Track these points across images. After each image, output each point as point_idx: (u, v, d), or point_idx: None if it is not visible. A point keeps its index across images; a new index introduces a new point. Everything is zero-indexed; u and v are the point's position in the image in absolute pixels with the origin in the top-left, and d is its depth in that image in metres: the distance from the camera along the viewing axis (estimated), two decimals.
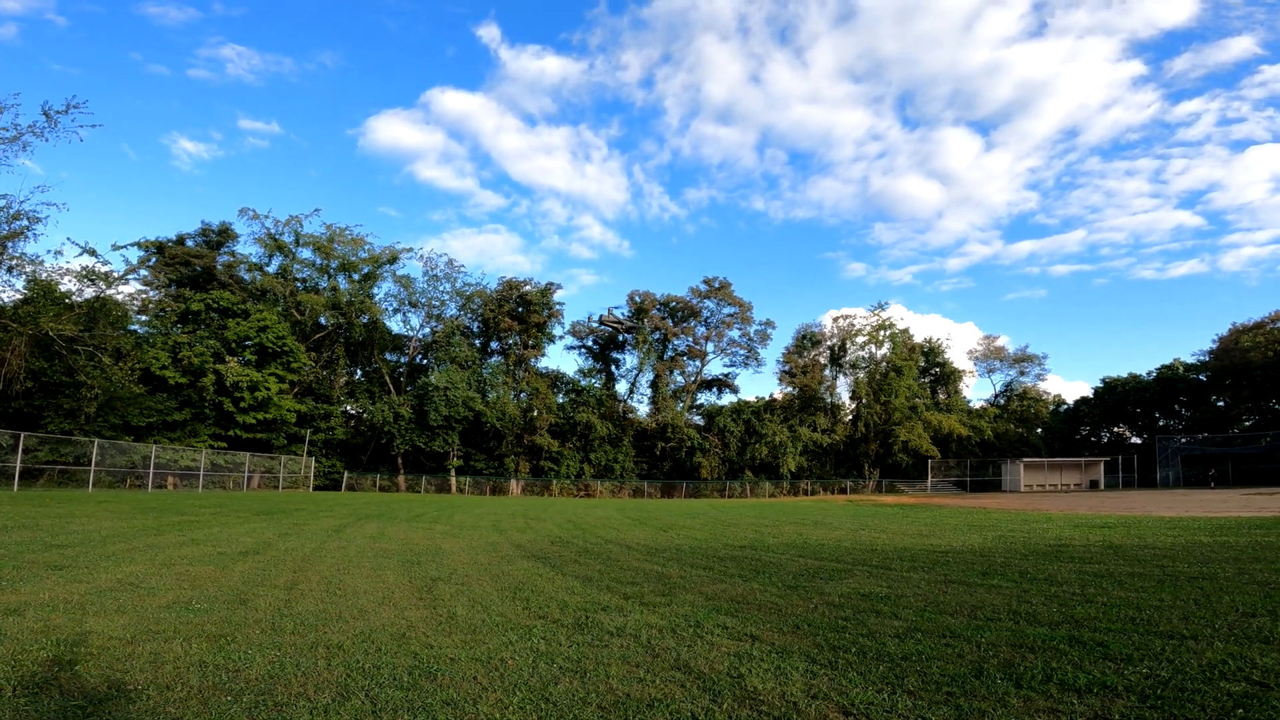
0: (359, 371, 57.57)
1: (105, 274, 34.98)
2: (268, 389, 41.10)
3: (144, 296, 43.54)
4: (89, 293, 34.53)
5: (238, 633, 5.29)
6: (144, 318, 43.45)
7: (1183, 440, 49.89)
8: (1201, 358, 58.31)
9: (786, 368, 60.07)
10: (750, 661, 4.63)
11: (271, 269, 52.37)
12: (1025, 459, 53.63)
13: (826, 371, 60.52)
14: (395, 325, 57.48)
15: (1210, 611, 5.69)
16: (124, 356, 35.20)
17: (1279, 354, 48.68)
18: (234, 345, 42.38)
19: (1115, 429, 63.82)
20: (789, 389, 60.29)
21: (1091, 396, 65.00)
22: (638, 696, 3.95)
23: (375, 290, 54.66)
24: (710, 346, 61.41)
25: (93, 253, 33.87)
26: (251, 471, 39.19)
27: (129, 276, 39.41)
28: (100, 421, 33.78)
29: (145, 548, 10.09)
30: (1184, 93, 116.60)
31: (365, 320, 53.04)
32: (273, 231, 51.13)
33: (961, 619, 5.81)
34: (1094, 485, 50.65)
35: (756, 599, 6.93)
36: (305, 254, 53.03)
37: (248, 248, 52.80)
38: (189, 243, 51.07)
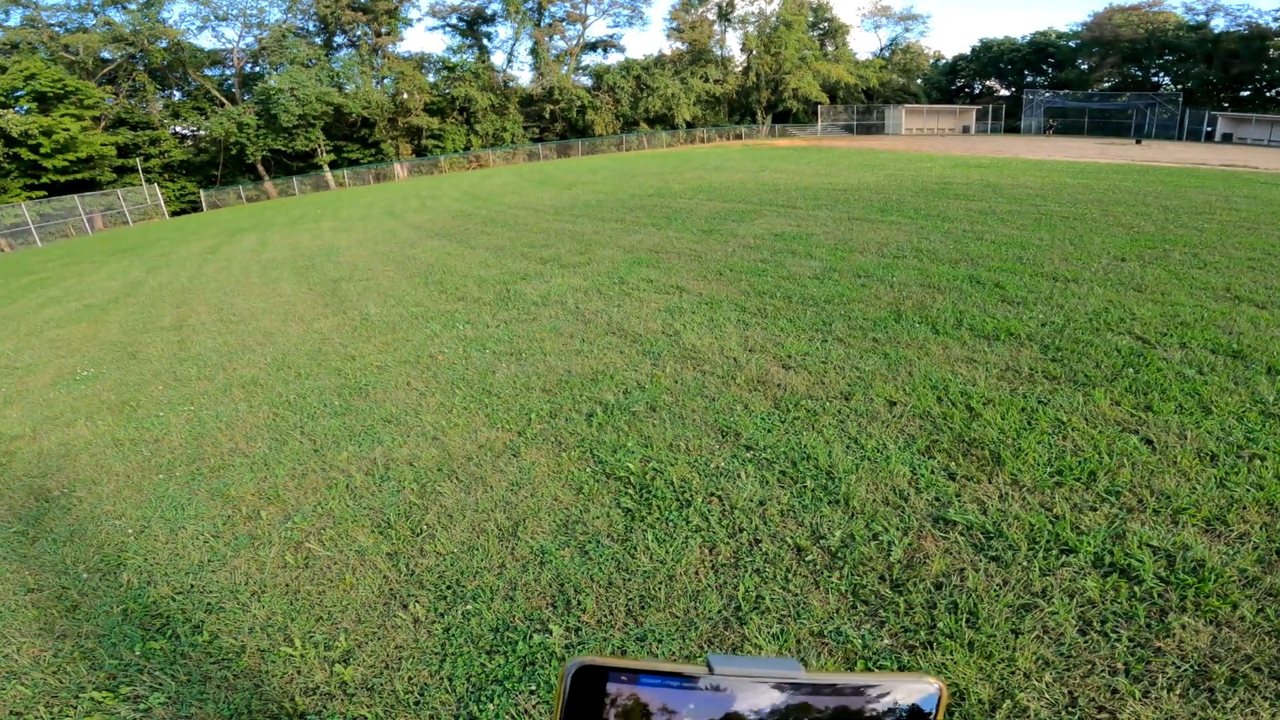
0: (177, 93, 50.23)
1: None
2: (66, 130, 36.62)
3: None
4: None
5: (140, 394, 4.76)
6: None
7: (1046, 94, 52.61)
8: (1075, 29, 60.42)
9: (675, 24, 57.73)
10: (683, 316, 4.61)
11: (13, 23, 42.76)
12: (907, 105, 55.95)
13: (716, 26, 58.93)
14: (206, 43, 49.21)
15: (1085, 253, 5.87)
16: None
17: (1149, 33, 51.15)
18: (4, 99, 36.53)
19: (988, 82, 66.80)
20: (679, 45, 58.73)
21: (969, 54, 66.68)
22: (579, 371, 3.90)
23: (164, 15, 46.11)
24: (590, 10, 55.97)
25: None
26: (90, 213, 35.30)
27: None
28: None
29: (2, 320, 8.94)
30: None
31: (164, 45, 45.08)
32: None
33: (871, 256, 5.92)
34: (966, 130, 53.88)
35: (674, 247, 6.86)
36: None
37: None
38: None
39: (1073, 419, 2.97)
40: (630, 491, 2.70)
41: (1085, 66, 58.38)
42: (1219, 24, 50.72)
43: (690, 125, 54.54)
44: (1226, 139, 38.51)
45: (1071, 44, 60.35)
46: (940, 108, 57.09)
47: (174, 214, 41.57)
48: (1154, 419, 2.93)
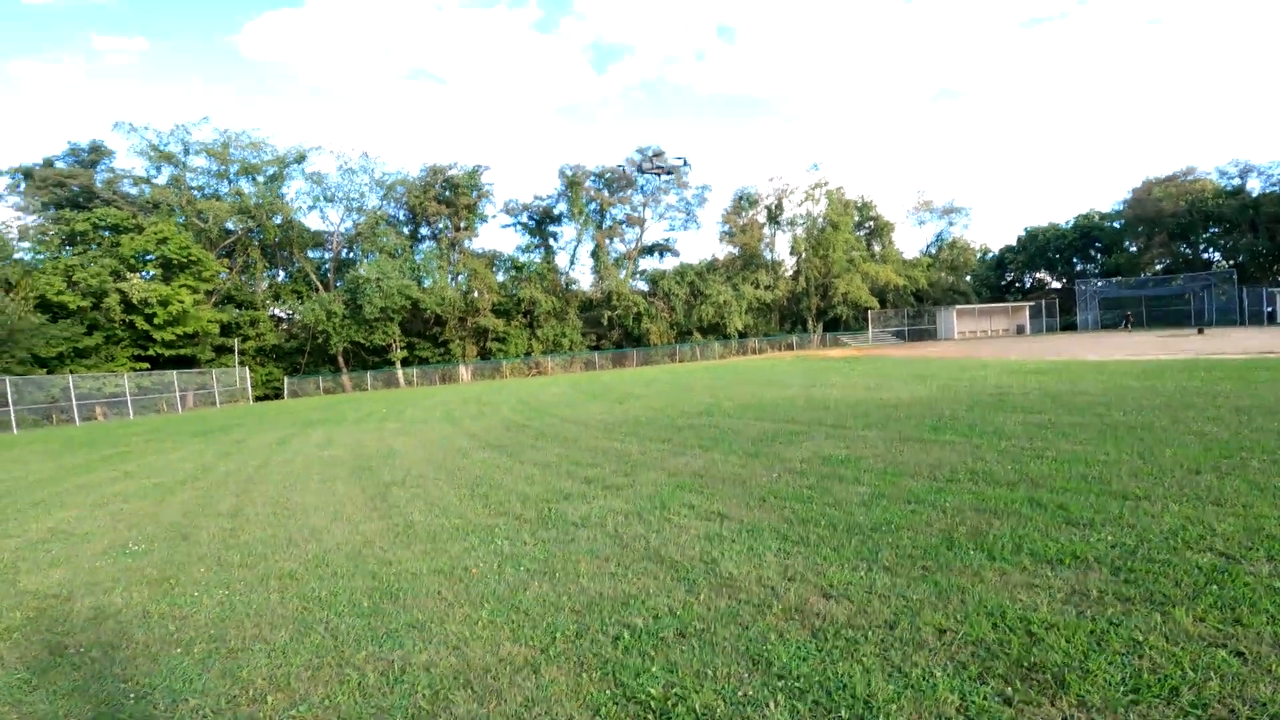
0: (281, 273, 55.02)
1: None
2: (181, 302, 38.66)
3: (19, 224, 39.62)
4: None
5: (181, 573, 4.98)
6: (26, 245, 39.80)
7: (1099, 284, 52.62)
8: (1117, 207, 61.28)
9: (726, 228, 60.35)
10: (722, 543, 4.57)
11: (162, 181, 48.80)
12: (958, 306, 55.79)
13: (765, 230, 61.14)
14: (313, 224, 54.74)
15: (1156, 468, 5.71)
16: (14, 287, 32.26)
17: (1190, 204, 51.27)
18: (133, 262, 39.42)
19: (1037, 275, 67.30)
20: (730, 249, 60.85)
21: (1015, 245, 67.79)
22: (611, 594, 3.84)
23: (284, 190, 51.67)
24: (649, 213, 60.56)
25: None
26: (184, 390, 37.55)
27: None
28: (7, 357, 31.40)
29: (76, 489, 9.50)
30: None
31: (279, 221, 50.16)
32: (156, 143, 46.97)
33: (922, 481, 5.85)
34: (1020, 330, 53.30)
35: (719, 471, 6.93)
36: (199, 163, 49.26)
37: (129, 161, 48.83)
38: (59, 164, 46.18)
39: (1150, 638, 2.81)
40: (650, 716, 2.60)
41: (1134, 249, 58.03)
42: (1254, 186, 50.68)
43: (742, 335, 55.30)
44: None
45: (1116, 225, 60.17)
46: (992, 307, 56.61)
47: (258, 399, 43.74)
48: (1243, 632, 2.78)
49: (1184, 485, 5.10)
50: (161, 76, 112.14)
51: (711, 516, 5.27)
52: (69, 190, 44.84)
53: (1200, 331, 33.02)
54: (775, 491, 5.86)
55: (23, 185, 43.36)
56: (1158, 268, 55.96)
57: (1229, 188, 51.54)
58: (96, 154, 47.82)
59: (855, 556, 4.14)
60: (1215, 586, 3.29)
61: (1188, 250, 54.98)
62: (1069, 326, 52.86)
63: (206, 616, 4.05)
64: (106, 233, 40.45)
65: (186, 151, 48.24)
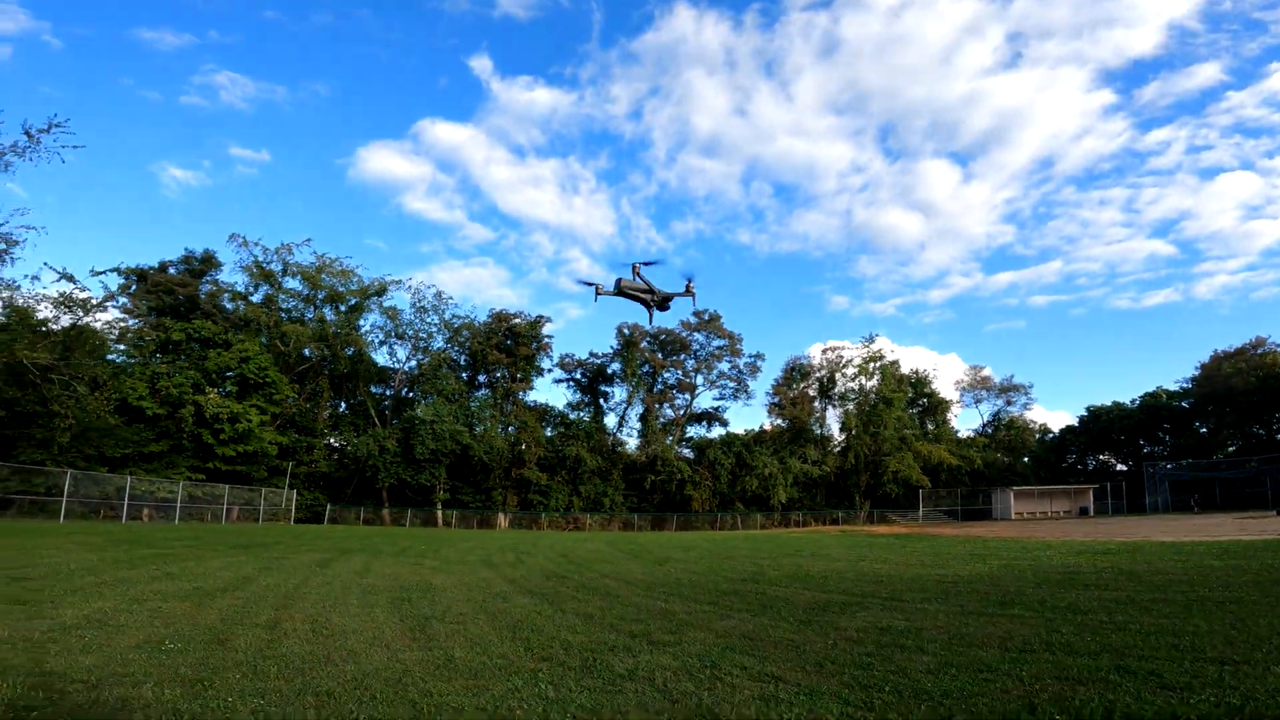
0: (343, 404, 56.59)
1: (83, 301, 34.12)
2: (248, 421, 40.14)
3: (122, 325, 42.58)
4: (66, 320, 33.68)
5: (216, 677, 4.83)
6: (122, 347, 42.51)
7: (1169, 466, 50.07)
8: (1184, 385, 59.05)
9: (776, 399, 60.10)
10: (779, 705, 4.27)
11: (256, 299, 51.50)
12: (1015, 487, 53.55)
13: (816, 403, 60.70)
14: (381, 358, 56.67)
15: (1252, 635, 5.49)
16: (101, 386, 34.31)
17: (1261, 380, 49.27)
18: (214, 376, 41.45)
19: (1101, 456, 64.20)
20: (779, 421, 60.29)
21: (1077, 425, 65.26)
22: None
23: (361, 322, 53.86)
24: (700, 379, 61.27)
25: (70, 278, 33.00)
26: (230, 504, 38.10)
27: (107, 304, 38.27)
28: (74, 452, 32.76)
29: (115, 582, 9.50)
30: (1153, 121, 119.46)
31: (351, 353, 52.32)
32: (260, 260, 50.32)
33: (993, 651, 5.51)
34: (1084, 512, 50.50)
35: (770, 635, 6.56)
36: (291, 284, 52.19)
37: (232, 276, 52.08)
38: (171, 270, 50.22)
39: None
40: None
41: (1204, 429, 54.30)
42: None
43: (786, 507, 53.73)
44: None
45: (1184, 404, 57.00)
46: (1052, 488, 53.75)
47: (298, 520, 43.88)
48: None
49: None
50: (277, 191, 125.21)
51: (765, 678, 4.94)
52: (175, 298, 48.22)
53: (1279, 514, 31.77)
54: (832, 658, 5.50)
55: (134, 287, 46.57)
56: (1230, 449, 53.28)
57: None
58: (207, 264, 51.42)
59: None
60: None
61: (1261, 431, 52.48)
62: (1136, 509, 49.81)
63: None
64: (197, 344, 43.07)
65: (285, 272, 51.25)
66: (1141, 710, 3.76)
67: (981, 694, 4.30)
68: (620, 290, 15.81)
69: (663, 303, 16.28)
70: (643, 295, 15.99)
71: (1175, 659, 4.88)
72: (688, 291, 16.63)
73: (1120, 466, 61.27)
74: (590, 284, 16.04)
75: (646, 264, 16.02)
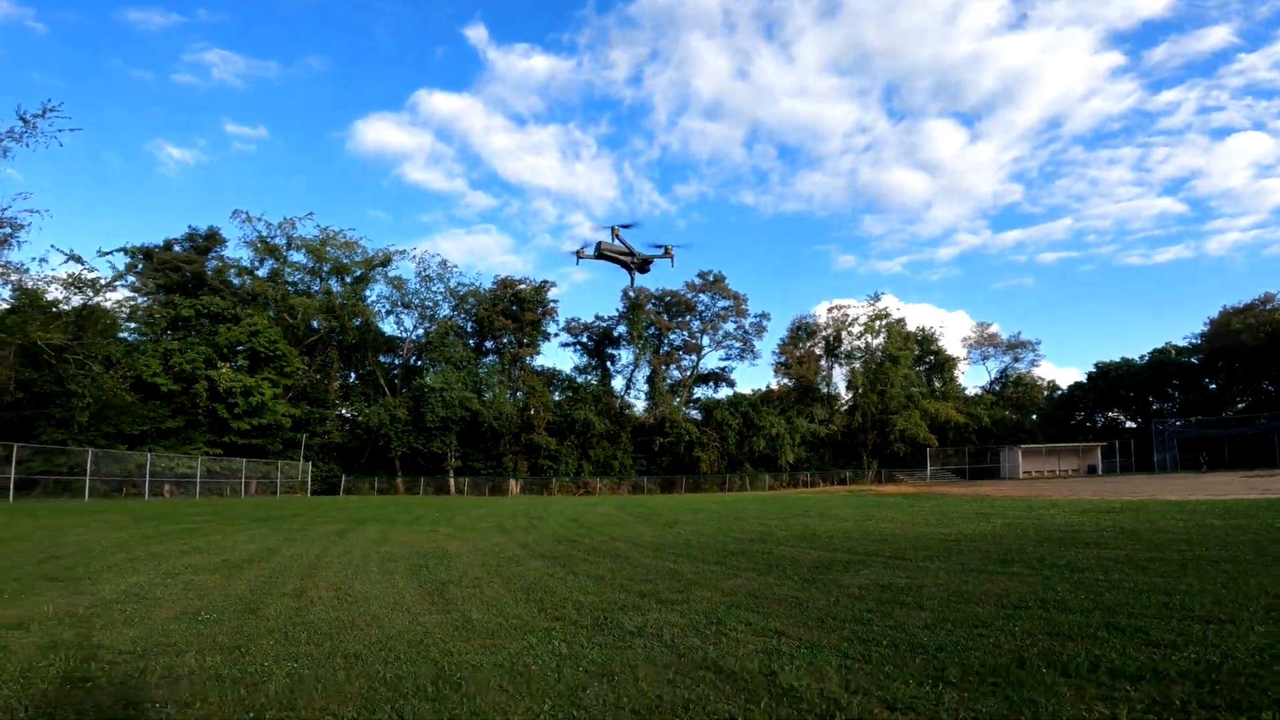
0: (353, 375, 57.22)
1: (93, 281, 34.42)
2: (261, 394, 40.68)
3: (132, 303, 42.90)
4: (76, 301, 34.07)
5: (251, 644, 5.16)
6: (133, 325, 42.94)
7: (1178, 424, 49.88)
8: (1193, 341, 58.59)
9: (782, 359, 60.08)
10: (781, 658, 4.54)
11: (262, 273, 51.80)
12: (1023, 445, 53.57)
13: (822, 362, 60.57)
14: (389, 327, 56.97)
15: (1241, 595, 5.64)
16: (115, 364, 34.77)
17: (1271, 335, 48.92)
18: (225, 351, 41.83)
19: (1109, 413, 63.78)
20: (785, 380, 60.28)
21: (1085, 381, 64.85)
22: (670, 699, 3.85)
23: (367, 293, 54.23)
24: (706, 340, 61.31)
25: (78, 260, 33.09)
26: (248, 477, 38.88)
27: (116, 283, 38.53)
28: (93, 430, 33.41)
29: (147, 557, 9.91)
30: (1163, 82, 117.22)
31: (358, 323, 52.67)
32: (265, 235, 50.48)
33: (989, 608, 5.75)
34: (1092, 470, 50.52)
35: (774, 593, 6.84)
36: (297, 258, 52.40)
37: (237, 251, 52.16)
38: (176, 248, 50.40)
39: None
40: None
41: (1213, 386, 54.18)
42: None
43: (794, 467, 53.99)
44: None
45: (1193, 360, 56.79)
46: (1060, 446, 53.85)
47: (314, 492, 44.67)
48: None
49: (1271, 610, 5.04)
50: (276, 167, 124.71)
51: (769, 633, 5.22)
52: (182, 275, 48.55)
53: None
54: (834, 614, 5.77)
55: (140, 266, 46.81)
56: (1239, 405, 53.10)
57: None
58: (211, 240, 51.76)
59: (920, 673, 4.09)
60: None
61: (1270, 387, 52.24)
62: (1145, 467, 50.04)
63: (277, 687, 4.17)
64: (206, 320, 43.45)
65: (289, 246, 51.51)
66: (1125, 666, 3.97)
67: (974, 648, 4.54)
68: (601, 254, 16.08)
69: (642, 265, 16.60)
70: (622, 258, 16.27)
71: (1164, 617, 5.09)
72: (666, 254, 16.98)
73: (1129, 424, 61.14)
74: (575, 252, 16.43)
75: (625, 226, 16.28)
